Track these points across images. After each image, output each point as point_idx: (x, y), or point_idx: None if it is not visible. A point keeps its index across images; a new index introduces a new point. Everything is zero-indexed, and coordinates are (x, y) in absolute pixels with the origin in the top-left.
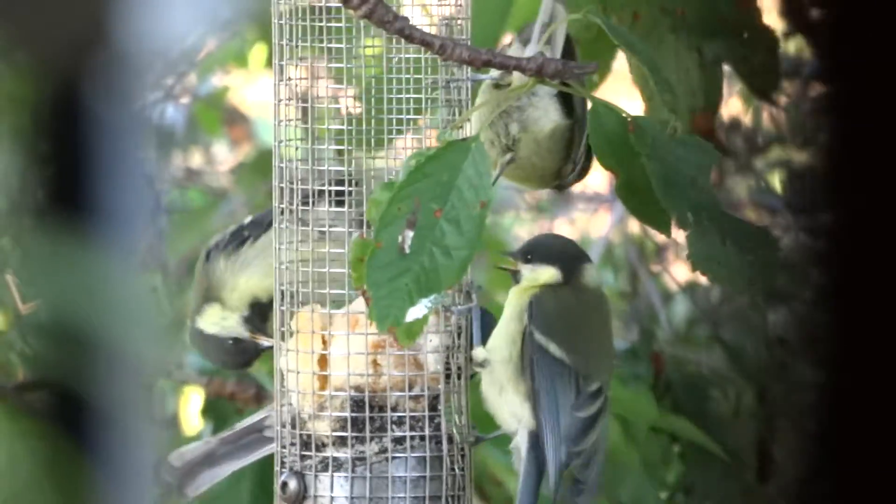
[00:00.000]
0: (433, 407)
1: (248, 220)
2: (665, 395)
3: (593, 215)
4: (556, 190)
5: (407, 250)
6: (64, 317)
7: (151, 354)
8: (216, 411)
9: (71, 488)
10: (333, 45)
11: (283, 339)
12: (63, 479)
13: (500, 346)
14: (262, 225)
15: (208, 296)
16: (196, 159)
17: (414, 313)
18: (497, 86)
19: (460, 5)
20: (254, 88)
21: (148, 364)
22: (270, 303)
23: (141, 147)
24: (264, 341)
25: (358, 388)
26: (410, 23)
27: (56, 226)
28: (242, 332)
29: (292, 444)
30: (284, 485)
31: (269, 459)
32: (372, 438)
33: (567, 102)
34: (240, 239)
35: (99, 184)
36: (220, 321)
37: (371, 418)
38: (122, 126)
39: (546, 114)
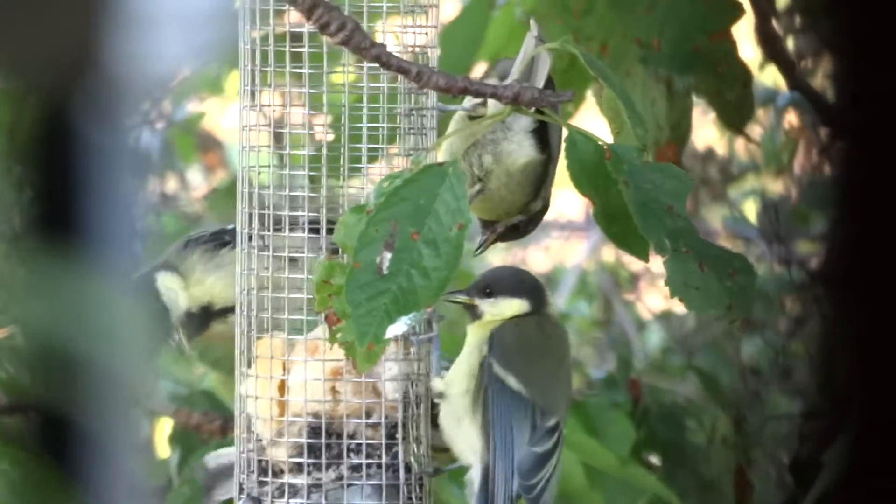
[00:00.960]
0: (391, 435)
1: (230, 226)
2: (642, 423)
3: (566, 242)
4: (513, 235)
5: (385, 272)
6: (43, 339)
7: (127, 379)
8: (183, 441)
9: None
10: (306, 70)
11: (243, 363)
12: (40, 502)
13: (458, 379)
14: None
15: (174, 269)
16: (171, 184)
17: (394, 330)
18: (471, 117)
19: (428, 35)
20: (228, 115)
21: (124, 389)
22: (219, 311)
23: (123, 171)
24: (181, 345)
25: (315, 415)
26: (387, 49)
27: (39, 249)
28: (180, 320)
29: (250, 471)
30: None
31: None
32: (329, 465)
33: (542, 138)
34: (220, 241)
35: (82, 208)
36: (177, 291)
37: (328, 445)
38: (105, 150)
39: (520, 148)
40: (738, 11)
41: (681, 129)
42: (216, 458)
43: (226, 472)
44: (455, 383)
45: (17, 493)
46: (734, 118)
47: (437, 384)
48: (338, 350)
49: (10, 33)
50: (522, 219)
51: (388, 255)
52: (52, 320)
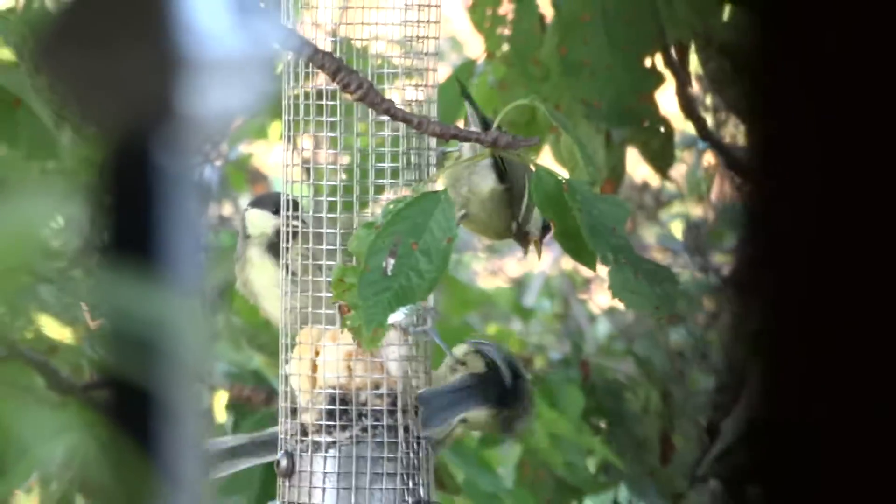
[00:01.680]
0: (393, 403)
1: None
2: (590, 395)
3: (534, 254)
4: (522, 245)
5: (389, 273)
6: (124, 331)
7: (191, 361)
8: (235, 409)
9: (126, 472)
10: (330, 118)
11: (287, 349)
12: (119, 464)
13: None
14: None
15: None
16: (227, 209)
17: (394, 317)
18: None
19: (429, 92)
20: (271, 155)
21: (189, 369)
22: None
23: (189, 198)
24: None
25: (335, 388)
26: (395, 104)
27: (118, 261)
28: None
29: (290, 432)
30: (278, 463)
31: None
32: (344, 427)
33: (500, 172)
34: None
35: (157, 227)
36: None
37: (344, 411)
38: (174, 182)
39: (484, 179)
40: (660, 79)
41: (617, 170)
42: (213, 444)
43: (222, 455)
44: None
45: (98, 454)
46: (659, 163)
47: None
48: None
49: (95, 81)
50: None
51: (391, 261)
52: (132, 316)
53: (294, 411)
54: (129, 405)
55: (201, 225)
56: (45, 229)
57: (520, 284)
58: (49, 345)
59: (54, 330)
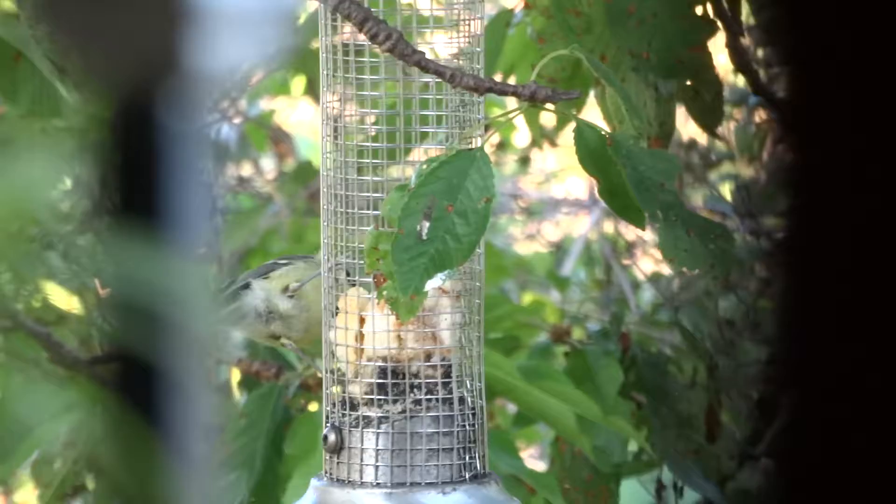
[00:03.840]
0: (447, 374)
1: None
2: (631, 369)
3: (575, 218)
4: None
5: (424, 237)
6: (135, 300)
7: (205, 333)
8: (249, 385)
9: (132, 448)
10: (365, 76)
11: (329, 316)
12: (125, 440)
13: None
14: None
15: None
16: (247, 169)
17: (432, 284)
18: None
19: (470, 42)
20: (295, 112)
21: (202, 341)
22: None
23: (201, 159)
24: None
25: (385, 359)
26: (426, 56)
27: (130, 225)
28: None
29: (336, 405)
30: (325, 438)
31: (285, 422)
32: (395, 401)
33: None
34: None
35: (166, 190)
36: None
37: (395, 384)
38: (185, 141)
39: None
40: (712, 28)
41: (666, 126)
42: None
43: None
44: None
45: (106, 431)
46: (707, 120)
47: None
48: None
49: (99, 33)
50: None
51: (426, 224)
52: (138, 283)
53: (340, 382)
54: (135, 379)
55: (211, 186)
56: (51, 191)
57: (559, 249)
58: (57, 314)
59: (62, 299)
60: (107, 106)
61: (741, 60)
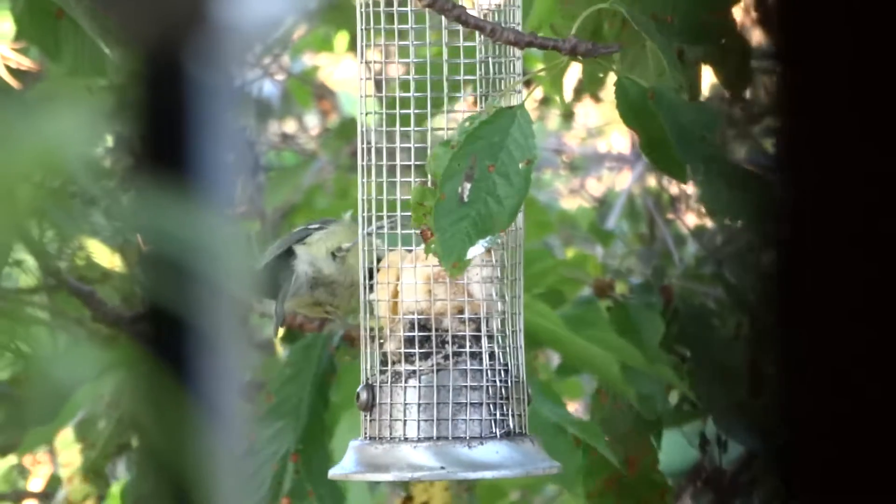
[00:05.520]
0: (477, 329)
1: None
2: (673, 322)
3: (618, 173)
4: None
5: (465, 199)
6: (169, 256)
7: (244, 290)
8: (291, 338)
9: (168, 406)
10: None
11: (368, 275)
12: (161, 398)
13: None
14: None
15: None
16: (290, 126)
17: (474, 251)
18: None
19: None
20: (338, 68)
21: (241, 298)
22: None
23: (241, 116)
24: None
25: (417, 313)
26: (466, 10)
27: (167, 182)
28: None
29: (370, 362)
30: (358, 396)
31: (330, 371)
32: (426, 356)
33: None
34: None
35: (204, 147)
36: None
37: (426, 338)
38: (224, 98)
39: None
40: None
41: (693, 91)
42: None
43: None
44: None
45: (145, 390)
46: (733, 85)
47: None
48: (433, 258)
49: None
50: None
51: (468, 186)
52: (181, 241)
53: (375, 339)
54: (169, 336)
55: (253, 143)
56: (93, 148)
57: (602, 204)
58: (101, 272)
59: (105, 257)
60: (137, 60)
61: (767, 20)
